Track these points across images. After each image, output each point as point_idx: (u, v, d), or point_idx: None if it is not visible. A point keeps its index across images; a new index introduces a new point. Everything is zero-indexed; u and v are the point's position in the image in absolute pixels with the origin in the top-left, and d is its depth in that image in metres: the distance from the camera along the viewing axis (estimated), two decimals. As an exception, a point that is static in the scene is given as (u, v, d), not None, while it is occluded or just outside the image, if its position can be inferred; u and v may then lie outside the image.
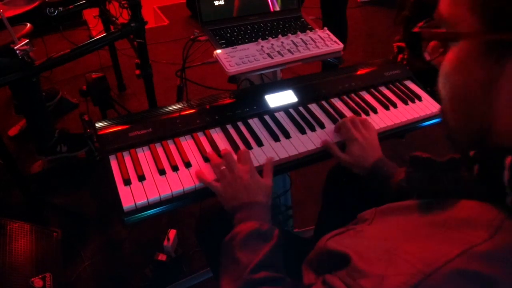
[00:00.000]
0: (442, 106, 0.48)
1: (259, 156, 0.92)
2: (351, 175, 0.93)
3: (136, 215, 0.80)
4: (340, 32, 1.18)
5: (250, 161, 0.83)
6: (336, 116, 1.04)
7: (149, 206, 0.81)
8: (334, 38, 1.15)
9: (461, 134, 0.46)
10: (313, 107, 1.08)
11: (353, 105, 1.09)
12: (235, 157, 0.84)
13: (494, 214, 0.38)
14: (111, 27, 2.25)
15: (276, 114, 1.04)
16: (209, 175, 0.86)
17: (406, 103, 1.11)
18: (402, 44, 2.64)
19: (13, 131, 2.25)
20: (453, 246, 0.36)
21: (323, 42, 1.14)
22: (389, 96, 1.13)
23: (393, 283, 0.36)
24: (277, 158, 0.91)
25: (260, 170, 0.90)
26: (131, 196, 0.81)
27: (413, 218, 0.45)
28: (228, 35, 1.14)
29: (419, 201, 0.48)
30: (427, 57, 0.48)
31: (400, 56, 2.51)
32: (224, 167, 0.81)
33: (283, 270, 0.67)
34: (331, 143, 0.95)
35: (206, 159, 0.90)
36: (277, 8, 1.23)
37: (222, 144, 0.94)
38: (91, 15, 2.49)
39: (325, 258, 0.51)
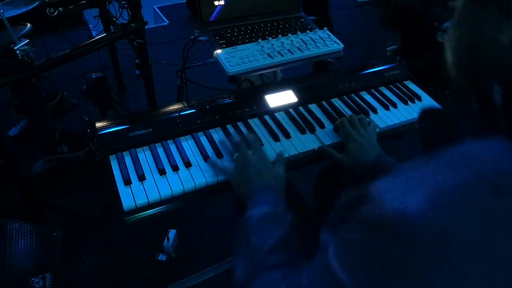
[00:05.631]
0: (448, 51, 0.51)
1: (259, 156, 0.92)
2: (339, 177, 0.94)
3: (136, 215, 0.80)
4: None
5: (261, 148, 0.85)
6: (336, 116, 1.04)
7: (149, 206, 0.81)
8: (334, 38, 1.15)
9: (461, 66, 0.50)
10: (313, 107, 1.08)
11: (353, 105, 1.09)
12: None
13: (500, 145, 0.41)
14: (111, 27, 2.25)
15: (276, 114, 1.04)
16: (209, 173, 0.86)
17: (406, 103, 1.11)
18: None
19: (13, 131, 2.25)
20: (466, 172, 0.39)
21: (323, 42, 1.14)
22: (389, 96, 1.13)
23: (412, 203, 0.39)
24: (277, 158, 0.91)
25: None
26: (131, 196, 0.81)
27: (424, 161, 0.47)
28: (228, 35, 1.14)
29: (428, 155, 0.50)
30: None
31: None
32: (237, 154, 0.83)
33: (296, 255, 0.67)
34: (325, 146, 0.95)
35: (207, 159, 0.90)
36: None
37: (222, 144, 0.94)
38: (91, 15, 2.49)
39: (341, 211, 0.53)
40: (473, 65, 0.49)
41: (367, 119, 1.01)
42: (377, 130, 1.01)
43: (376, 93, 1.14)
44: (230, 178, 0.82)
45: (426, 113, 0.58)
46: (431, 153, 0.48)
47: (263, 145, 0.93)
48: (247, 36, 1.14)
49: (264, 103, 1.04)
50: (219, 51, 1.08)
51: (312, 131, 1.00)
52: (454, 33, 0.50)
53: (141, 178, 0.84)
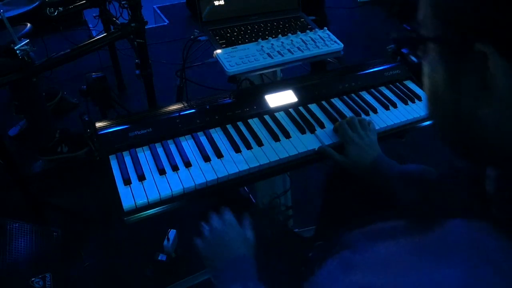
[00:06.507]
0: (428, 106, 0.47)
1: (258, 156, 0.92)
2: (351, 175, 0.93)
3: (136, 215, 0.80)
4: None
5: (229, 214, 0.82)
6: (336, 116, 1.04)
7: (149, 206, 0.81)
8: (334, 38, 1.15)
9: (446, 137, 0.46)
10: (313, 107, 1.08)
11: (353, 105, 1.08)
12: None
13: (483, 233, 0.37)
14: (111, 27, 2.25)
15: (276, 114, 1.04)
16: (209, 173, 0.86)
17: (406, 103, 1.11)
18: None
19: (13, 131, 2.25)
20: (472, 278, 0.35)
21: (323, 42, 1.14)
22: (389, 96, 1.13)
23: None
24: (277, 158, 0.91)
25: (259, 170, 0.90)
26: (131, 196, 0.81)
27: (402, 243, 0.43)
28: (228, 35, 1.14)
29: (406, 222, 0.46)
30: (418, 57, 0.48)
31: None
32: (203, 225, 0.81)
33: None
34: (326, 146, 0.95)
35: (207, 159, 0.90)
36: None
37: (222, 144, 0.94)
38: (91, 15, 2.49)
39: None
40: (456, 136, 0.43)
41: (367, 120, 1.01)
42: (378, 129, 1.01)
43: (376, 93, 1.14)
44: (201, 251, 0.80)
45: (410, 181, 0.52)
46: (407, 227, 0.43)
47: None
48: (247, 36, 1.14)
49: (264, 103, 1.04)
50: (219, 51, 1.08)
51: (312, 131, 1.00)
52: (427, 81, 0.44)
53: (141, 178, 0.84)
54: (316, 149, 0.95)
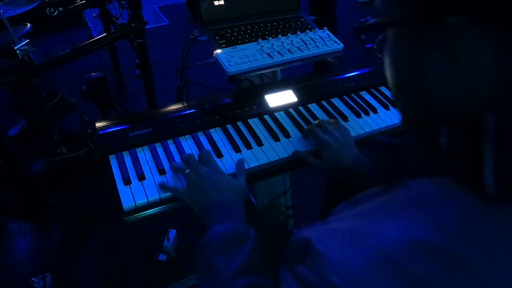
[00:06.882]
0: (391, 92, 0.49)
1: (258, 156, 0.92)
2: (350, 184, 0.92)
3: (136, 215, 0.80)
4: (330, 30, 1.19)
5: (214, 160, 0.82)
6: (336, 116, 1.04)
7: (149, 206, 0.81)
8: (334, 38, 1.15)
9: (412, 116, 0.48)
10: (313, 106, 1.08)
11: (353, 105, 1.08)
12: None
13: (445, 188, 0.40)
14: (111, 27, 2.26)
15: (276, 114, 1.04)
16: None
17: (406, 103, 1.11)
18: None
19: (13, 131, 2.25)
20: (412, 224, 0.37)
21: (323, 42, 1.14)
22: (389, 96, 1.13)
23: (352, 263, 0.37)
24: (277, 158, 0.91)
25: (259, 170, 0.90)
26: (131, 196, 0.81)
27: (375, 203, 0.46)
28: (228, 35, 1.14)
29: (381, 186, 0.48)
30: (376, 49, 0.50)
31: None
32: (188, 170, 0.79)
33: (263, 272, 0.64)
34: (301, 152, 0.91)
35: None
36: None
37: (222, 144, 0.94)
38: (91, 15, 2.49)
39: (293, 249, 0.49)
40: (415, 106, 0.45)
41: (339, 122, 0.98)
42: (378, 129, 1.01)
43: (376, 93, 1.14)
44: (185, 196, 0.78)
45: (379, 145, 0.58)
46: (381, 190, 0.47)
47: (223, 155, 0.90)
48: (247, 36, 1.14)
49: (264, 103, 1.04)
50: (219, 51, 1.08)
51: (312, 131, 0.99)
52: (390, 68, 0.46)
53: (141, 178, 0.84)
54: (290, 154, 0.92)
